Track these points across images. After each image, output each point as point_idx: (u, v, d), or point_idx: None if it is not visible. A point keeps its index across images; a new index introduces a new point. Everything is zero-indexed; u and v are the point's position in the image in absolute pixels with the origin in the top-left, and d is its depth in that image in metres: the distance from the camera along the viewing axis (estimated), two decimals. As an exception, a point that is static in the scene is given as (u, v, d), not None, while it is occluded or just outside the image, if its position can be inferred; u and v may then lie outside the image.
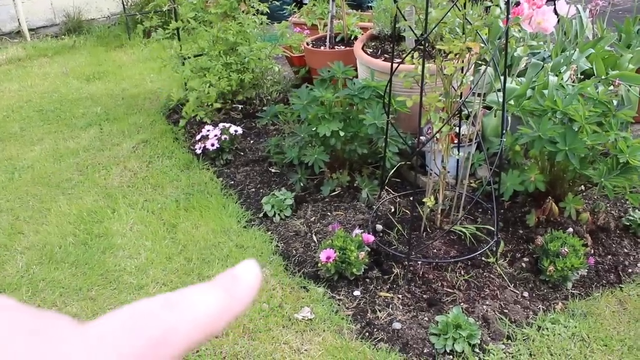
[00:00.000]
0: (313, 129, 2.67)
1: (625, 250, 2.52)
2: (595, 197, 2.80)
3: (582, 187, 2.82)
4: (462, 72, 2.22)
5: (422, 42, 2.02)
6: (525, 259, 2.43)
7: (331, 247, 2.30)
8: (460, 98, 2.36)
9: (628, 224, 2.62)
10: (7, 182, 3.24)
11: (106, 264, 2.53)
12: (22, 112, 4.17)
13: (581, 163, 2.34)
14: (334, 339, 2.10)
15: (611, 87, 2.62)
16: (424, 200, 2.37)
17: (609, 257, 2.48)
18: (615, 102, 2.49)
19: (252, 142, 3.45)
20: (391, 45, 3.20)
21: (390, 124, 2.46)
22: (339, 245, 2.30)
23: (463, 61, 2.13)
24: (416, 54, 2.13)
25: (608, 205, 2.78)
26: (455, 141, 2.62)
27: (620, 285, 2.34)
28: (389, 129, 2.50)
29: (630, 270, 2.42)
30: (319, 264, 2.32)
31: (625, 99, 3.05)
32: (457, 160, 2.53)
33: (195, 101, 3.41)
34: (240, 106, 3.69)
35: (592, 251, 2.49)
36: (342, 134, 2.63)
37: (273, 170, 3.14)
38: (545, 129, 2.28)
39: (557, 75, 2.72)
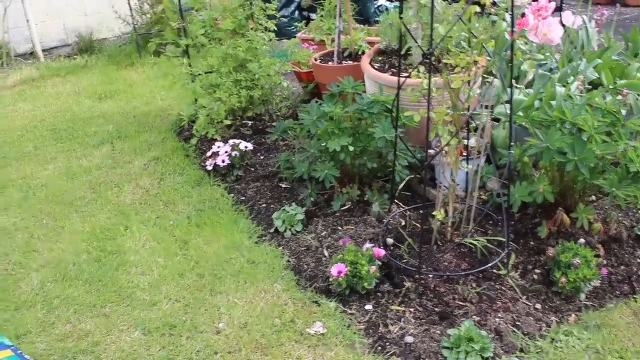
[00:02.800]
0: (323, 144, 2.69)
1: (639, 261, 2.50)
2: (607, 207, 2.79)
3: (593, 197, 2.82)
4: (468, 85, 2.24)
5: (428, 56, 2.04)
6: (537, 271, 2.42)
7: (342, 262, 2.31)
8: (468, 111, 2.38)
9: (640, 233, 2.61)
10: (22, 201, 3.29)
11: (119, 280, 2.56)
12: (35, 132, 4.23)
13: (591, 173, 2.34)
14: (346, 353, 2.11)
15: (619, 97, 2.62)
16: (434, 213, 2.38)
17: (622, 267, 2.46)
18: (624, 112, 2.49)
19: (262, 157, 3.48)
20: (398, 60, 3.23)
21: (399, 138, 2.47)
22: (350, 260, 2.30)
23: (469, 74, 2.15)
24: (422, 68, 2.15)
25: (620, 215, 2.76)
26: (464, 154, 2.63)
27: (634, 296, 2.33)
28: (398, 142, 2.52)
29: (643, 280, 2.41)
30: (331, 279, 2.33)
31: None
32: (467, 172, 2.54)
33: (206, 118, 3.44)
34: (250, 122, 3.72)
35: (605, 262, 2.48)
36: (351, 148, 2.65)
37: (283, 186, 3.16)
38: (554, 139, 2.29)
39: (564, 86, 2.73)
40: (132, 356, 2.14)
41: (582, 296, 2.32)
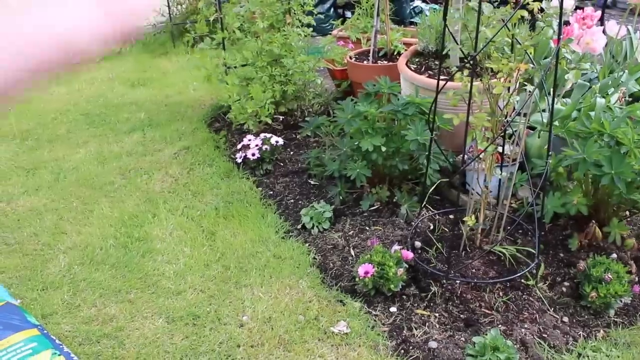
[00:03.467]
0: (355, 143, 2.67)
1: (672, 280, 2.45)
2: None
3: (627, 213, 2.76)
4: (508, 91, 2.20)
5: (471, 60, 2.01)
6: (566, 284, 2.38)
7: (369, 262, 2.30)
8: (506, 118, 2.34)
9: (675, 252, 2.55)
10: (53, 183, 3.34)
11: (145, 267, 2.58)
12: (69, 115, 4.29)
13: (628, 188, 2.29)
14: (370, 354, 2.09)
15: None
16: (464, 219, 2.35)
17: (655, 285, 2.41)
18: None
19: (292, 153, 3.48)
20: (435, 62, 3.20)
21: (434, 141, 2.45)
22: (377, 261, 2.29)
23: (511, 81, 2.12)
24: (465, 72, 2.12)
25: (655, 232, 2.70)
26: (499, 161, 2.60)
27: (665, 315, 2.28)
28: (432, 145, 2.49)
29: (676, 300, 2.35)
30: (357, 279, 2.31)
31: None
32: (499, 180, 2.50)
33: (238, 110, 3.45)
34: (281, 117, 3.72)
35: (637, 279, 2.42)
36: (383, 149, 2.63)
37: (312, 183, 3.16)
38: (591, 151, 2.24)
39: (604, 97, 2.67)
40: (155, 344, 2.16)
41: (612, 312, 2.27)
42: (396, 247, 2.39)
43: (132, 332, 2.22)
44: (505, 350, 2.02)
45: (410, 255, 2.33)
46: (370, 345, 2.13)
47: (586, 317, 2.26)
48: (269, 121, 3.52)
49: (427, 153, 2.51)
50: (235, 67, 3.73)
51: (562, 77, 2.97)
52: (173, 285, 2.46)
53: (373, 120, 2.69)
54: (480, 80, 2.19)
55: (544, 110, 2.81)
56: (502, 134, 2.52)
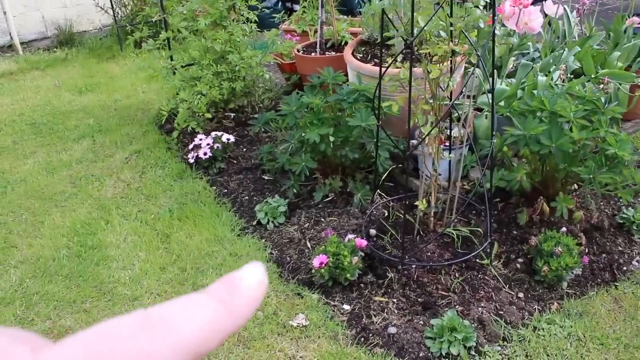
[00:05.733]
0: (302, 135, 2.66)
1: (620, 248, 2.52)
2: (589, 195, 2.79)
3: (576, 186, 2.83)
4: (448, 74, 2.22)
5: (410, 46, 2.02)
6: (520, 260, 2.43)
7: (324, 253, 2.30)
8: (449, 100, 2.37)
9: (622, 221, 2.62)
10: (0, 196, 3.24)
11: (100, 275, 2.52)
12: (14, 126, 4.16)
13: (570, 160, 2.34)
14: (330, 345, 2.10)
15: (601, 86, 2.62)
16: (416, 203, 2.37)
17: (604, 255, 2.48)
18: (604, 100, 2.49)
19: (245, 150, 3.45)
20: (380, 49, 3.21)
21: (380, 128, 2.46)
22: (332, 251, 2.29)
23: (448, 64, 2.14)
24: (402, 58, 2.14)
25: (602, 203, 2.78)
26: (447, 143, 2.63)
27: (615, 283, 2.34)
28: (379, 132, 2.50)
29: (625, 268, 2.42)
30: (313, 270, 2.31)
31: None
32: (450, 162, 2.53)
33: (187, 111, 3.40)
34: (232, 114, 3.69)
35: (587, 250, 2.49)
36: (332, 139, 2.63)
37: (266, 178, 3.14)
38: (531, 127, 2.28)
39: (546, 76, 2.73)
40: (112, 352, 2.11)
41: (565, 284, 2.33)
42: (350, 236, 2.40)
43: (88, 343, 2.16)
44: (463, 330, 2.05)
45: (364, 243, 2.34)
46: (329, 336, 2.13)
47: (540, 291, 2.31)
48: (210, 115, 3.48)
49: (375, 140, 2.52)
50: (183, 67, 3.67)
51: (506, 58, 3.02)
52: (129, 291, 2.42)
53: (319, 112, 2.68)
54: (420, 65, 2.20)
55: (489, 92, 2.85)
56: (447, 117, 2.55)
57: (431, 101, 2.25)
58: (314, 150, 2.71)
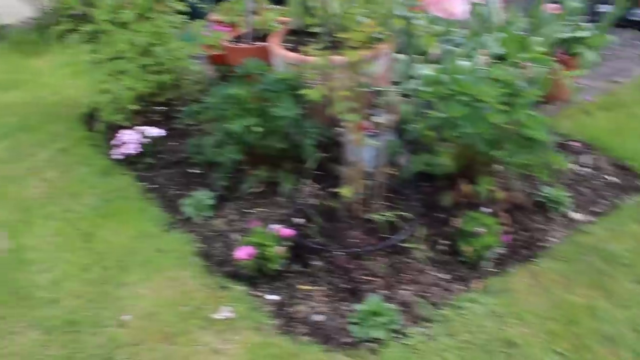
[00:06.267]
0: (227, 127, 2.63)
1: (539, 226, 2.59)
2: (512, 176, 2.85)
3: (501, 168, 2.88)
4: (368, 61, 2.23)
5: (329, 33, 2.01)
6: (445, 242, 2.46)
7: (249, 244, 2.27)
8: (371, 87, 2.38)
9: (541, 200, 2.70)
10: None
11: (18, 280, 2.42)
12: None
13: (491, 144, 2.38)
14: (254, 336, 2.08)
15: (521, 70, 2.66)
16: (339, 190, 2.37)
17: (525, 233, 2.54)
18: (523, 84, 2.53)
19: (174, 144, 3.37)
20: (309, 39, 3.19)
21: (304, 116, 2.45)
22: (256, 242, 2.27)
23: (368, 50, 2.14)
24: (320, 46, 2.13)
25: (526, 183, 2.84)
26: (372, 130, 2.63)
27: (534, 259, 2.40)
28: (304, 121, 2.49)
29: (543, 244, 2.49)
30: (238, 263, 2.28)
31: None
32: (377, 149, 2.54)
33: (112, 105, 3.30)
34: (161, 108, 3.60)
35: (509, 229, 2.54)
36: (256, 129, 2.60)
37: (195, 171, 3.07)
38: (452, 111, 2.31)
39: (470, 60, 2.77)
40: (29, 359, 2.04)
41: (487, 263, 2.37)
42: (275, 226, 2.38)
43: (3, 350, 2.08)
44: (386, 313, 2.07)
45: (288, 232, 2.32)
46: (254, 327, 2.11)
47: (464, 271, 2.35)
48: (137, 108, 3.38)
49: (300, 129, 2.51)
50: (110, 60, 3.55)
51: (431, 44, 3.05)
52: (49, 295, 2.33)
53: (243, 102, 2.65)
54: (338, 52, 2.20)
55: (411, 77, 2.87)
56: (371, 104, 2.56)
57: (352, 88, 2.25)
58: (239, 141, 2.68)
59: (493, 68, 2.48)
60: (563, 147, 3.18)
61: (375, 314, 2.06)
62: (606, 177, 2.97)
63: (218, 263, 2.42)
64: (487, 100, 2.31)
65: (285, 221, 2.54)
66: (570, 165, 3.02)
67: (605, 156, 3.13)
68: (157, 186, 3.01)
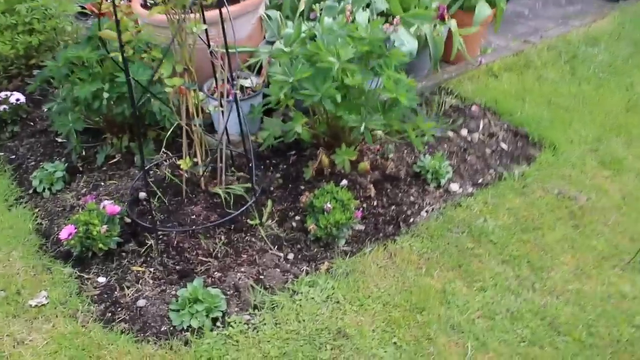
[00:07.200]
0: (71, 93, 2.40)
1: (412, 199, 2.40)
2: (389, 145, 2.64)
3: (382, 135, 2.68)
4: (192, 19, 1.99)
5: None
6: (297, 218, 2.27)
7: (73, 223, 2.08)
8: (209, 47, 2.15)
9: (418, 170, 2.50)
10: None
11: None
12: None
13: (344, 108, 2.16)
14: (66, 324, 1.90)
15: (389, 27, 2.42)
16: (178, 162, 2.16)
17: (393, 207, 2.35)
18: (389, 43, 2.30)
19: (45, 110, 3.12)
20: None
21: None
22: (83, 220, 2.07)
23: (180, 7, 1.90)
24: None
25: (405, 152, 2.64)
26: (235, 94, 2.41)
27: (395, 237, 2.22)
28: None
29: (412, 219, 2.30)
30: (64, 243, 2.09)
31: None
32: (239, 117, 2.32)
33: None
34: (36, 72, 3.34)
35: (376, 202, 2.36)
36: (106, 95, 2.37)
37: (60, 140, 2.85)
38: (298, 73, 2.10)
39: (334, 19, 2.53)
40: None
41: (342, 242, 2.19)
42: (106, 202, 2.18)
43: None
44: (208, 300, 1.88)
45: (116, 209, 2.12)
46: (69, 314, 1.93)
47: (315, 250, 2.17)
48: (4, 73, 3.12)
49: (149, 95, 2.28)
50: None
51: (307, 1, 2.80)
52: None
53: (90, 65, 2.41)
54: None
55: (281, 37, 2.63)
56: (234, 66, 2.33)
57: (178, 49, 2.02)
58: (88, 108, 2.45)
59: (351, 26, 2.24)
60: (460, 111, 2.98)
61: (196, 300, 1.88)
62: (499, 144, 2.78)
63: (56, 242, 2.22)
64: (332, 62, 2.08)
65: (132, 195, 2.34)
66: (463, 132, 2.82)
67: (503, 122, 2.93)
68: (17, 157, 2.79)
